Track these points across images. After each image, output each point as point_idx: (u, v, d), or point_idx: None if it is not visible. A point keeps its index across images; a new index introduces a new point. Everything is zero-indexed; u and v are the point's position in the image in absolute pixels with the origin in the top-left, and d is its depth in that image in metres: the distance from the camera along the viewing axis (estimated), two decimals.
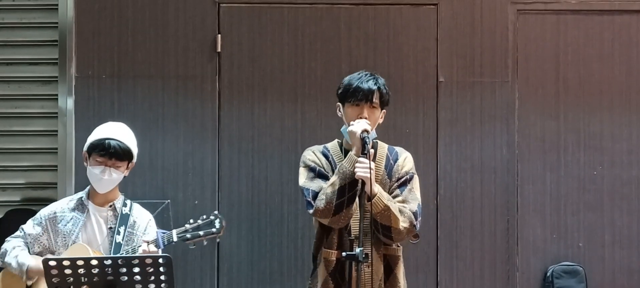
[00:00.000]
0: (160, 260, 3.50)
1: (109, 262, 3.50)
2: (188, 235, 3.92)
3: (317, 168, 3.90)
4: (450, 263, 5.14)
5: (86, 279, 3.50)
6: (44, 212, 4.04)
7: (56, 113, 5.15)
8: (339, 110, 3.95)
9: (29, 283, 3.91)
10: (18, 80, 5.20)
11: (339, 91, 3.93)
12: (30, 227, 4.01)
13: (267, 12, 5.18)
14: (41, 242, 3.98)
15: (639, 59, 5.23)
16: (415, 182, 3.93)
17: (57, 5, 5.16)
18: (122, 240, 3.93)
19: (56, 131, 5.13)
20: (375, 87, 3.87)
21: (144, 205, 4.22)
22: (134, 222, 4.01)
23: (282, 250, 5.15)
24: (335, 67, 5.11)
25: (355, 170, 3.70)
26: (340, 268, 3.85)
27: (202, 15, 5.17)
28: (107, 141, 3.90)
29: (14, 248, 3.95)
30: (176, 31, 5.17)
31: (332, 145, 4.01)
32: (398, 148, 4.01)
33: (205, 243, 3.95)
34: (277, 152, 5.14)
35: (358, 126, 3.75)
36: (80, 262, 3.49)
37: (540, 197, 5.18)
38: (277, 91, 5.17)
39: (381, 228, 3.77)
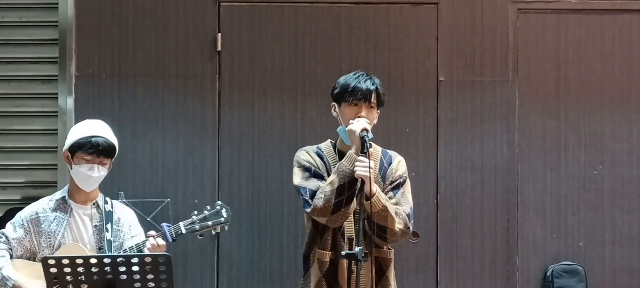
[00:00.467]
0: (160, 259, 3.49)
1: (108, 260, 3.50)
2: (196, 227, 3.96)
3: (313, 168, 3.90)
4: (450, 263, 5.14)
5: (85, 278, 3.50)
6: (24, 213, 3.99)
7: (56, 112, 5.15)
8: (334, 110, 3.94)
9: None
10: (18, 79, 5.20)
11: (335, 91, 3.92)
12: (11, 230, 3.95)
13: (268, 10, 5.18)
14: (24, 245, 3.94)
15: (639, 58, 5.22)
16: (408, 185, 3.95)
17: (57, 3, 5.16)
18: (112, 237, 3.93)
19: (56, 130, 5.13)
20: (373, 87, 3.87)
21: (144, 204, 4.22)
22: (119, 219, 4.01)
23: (282, 248, 5.15)
24: (336, 66, 5.11)
25: (355, 168, 3.70)
26: (333, 269, 3.85)
27: (203, 14, 5.17)
28: (94, 139, 3.89)
29: None
30: (176, 30, 5.17)
31: (326, 146, 4.01)
32: (391, 152, 4.03)
33: (213, 232, 3.97)
34: (277, 150, 5.14)
35: (358, 125, 3.75)
36: (79, 261, 3.48)
37: (540, 196, 5.18)
38: (277, 90, 5.17)
39: (376, 229, 3.77)
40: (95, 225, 3.96)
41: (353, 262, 3.55)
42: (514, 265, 5.15)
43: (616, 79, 5.21)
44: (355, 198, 3.76)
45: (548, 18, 5.21)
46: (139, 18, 5.17)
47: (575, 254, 5.17)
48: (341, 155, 3.89)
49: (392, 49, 5.18)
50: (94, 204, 4.00)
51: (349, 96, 3.85)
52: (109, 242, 3.91)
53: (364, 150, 3.69)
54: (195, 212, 3.98)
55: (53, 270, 3.49)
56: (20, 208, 4.08)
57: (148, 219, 4.82)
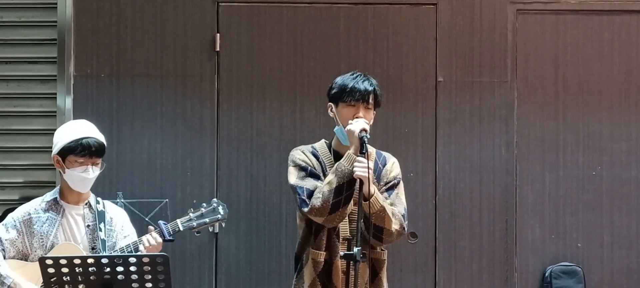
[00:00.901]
0: (158, 259, 3.49)
1: (105, 260, 3.49)
2: (193, 224, 3.97)
3: (309, 168, 3.89)
4: (448, 263, 5.13)
5: (83, 278, 3.49)
6: (16, 214, 3.97)
7: (55, 112, 5.15)
8: (331, 110, 3.94)
9: None
10: (17, 79, 5.20)
11: (333, 91, 3.92)
12: (3, 231, 3.93)
13: (266, 11, 5.18)
14: (16, 246, 3.92)
15: (638, 59, 5.22)
16: (402, 187, 3.96)
17: (56, 3, 5.16)
18: (105, 236, 3.93)
19: (55, 130, 5.10)
20: (370, 88, 3.87)
21: (142, 204, 4.22)
22: (111, 218, 4.00)
23: (281, 249, 5.15)
24: (334, 67, 5.10)
25: (354, 169, 3.70)
26: (327, 269, 3.85)
27: (201, 14, 5.17)
28: (84, 140, 3.87)
29: None
30: (175, 30, 5.17)
31: (320, 146, 4.00)
32: (386, 153, 4.03)
33: (210, 229, 3.98)
34: (275, 151, 5.14)
35: (356, 125, 3.75)
36: (77, 261, 3.48)
37: (539, 197, 5.18)
38: (276, 90, 5.17)
39: (373, 229, 3.77)
40: (88, 225, 3.96)
41: (351, 263, 3.55)
42: (513, 265, 5.15)
43: (615, 80, 5.21)
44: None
45: (547, 19, 5.21)
46: (138, 18, 5.17)
47: (574, 255, 5.17)
48: (336, 155, 3.89)
49: (390, 50, 5.18)
50: (86, 204, 3.99)
51: (346, 96, 3.85)
52: (103, 242, 3.91)
53: (362, 150, 3.69)
54: (192, 210, 4.00)
55: (51, 270, 3.48)
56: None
57: (146, 219, 4.82)
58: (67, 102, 5.12)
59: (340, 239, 3.84)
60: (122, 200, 4.85)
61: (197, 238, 4.94)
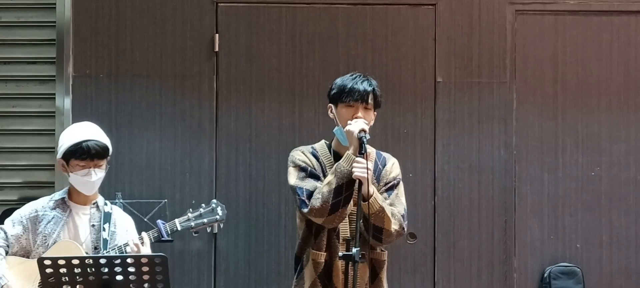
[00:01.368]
0: (156, 260, 3.49)
1: (104, 260, 3.49)
2: (192, 224, 3.99)
3: (309, 168, 3.89)
4: (447, 264, 5.13)
5: (81, 278, 3.49)
6: (24, 211, 3.99)
7: (53, 112, 5.15)
8: (331, 111, 3.94)
9: None
10: (15, 79, 5.20)
11: (332, 92, 3.92)
12: (10, 226, 3.95)
13: (265, 11, 5.18)
14: (20, 242, 3.94)
15: (637, 60, 5.22)
16: (401, 188, 3.96)
17: (54, 4, 5.15)
18: (108, 237, 3.93)
19: (54, 130, 5.12)
20: (370, 89, 3.87)
21: (141, 204, 4.22)
22: (116, 221, 4.01)
23: (280, 249, 5.15)
24: (333, 67, 5.10)
25: (353, 169, 3.70)
26: (327, 270, 3.85)
27: (200, 14, 5.17)
28: (84, 144, 3.87)
29: None
30: (174, 30, 5.17)
31: (320, 146, 4.00)
32: (386, 154, 4.03)
33: (208, 230, 3.99)
34: (274, 151, 5.14)
35: (356, 126, 3.76)
36: (75, 261, 3.48)
37: (537, 198, 5.18)
38: (274, 90, 5.17)
39: (372, 230, 3.77)
40: (93, 225, 3.96)
41: (350, 263, 3.55)
42: (511, 266, 5.15)
43: (614, 81, 5.21)
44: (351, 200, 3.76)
45: (545, 19, 5.21)
46: (137, 18, 5.17)
47: (573, 256, 5.17)
48: (336, 155, 3.89)
49: (389, 50, 5.18)
50: (93, 204, 4.00)
51: (345, 97, 3.85)
52: (105, 241, 3.91)
53: (361, 151, 3.69)
54: (190, 210, 4.02)
55: (49, 270, 3.48)
56: (17, 209, 4.07)
57: (145, 220, 4.82)
58: (66, 103, 5.12)
59: (341, 240, 3.84)
60: (121, 201, 4.85)
61: (196, 239, 4.95)
